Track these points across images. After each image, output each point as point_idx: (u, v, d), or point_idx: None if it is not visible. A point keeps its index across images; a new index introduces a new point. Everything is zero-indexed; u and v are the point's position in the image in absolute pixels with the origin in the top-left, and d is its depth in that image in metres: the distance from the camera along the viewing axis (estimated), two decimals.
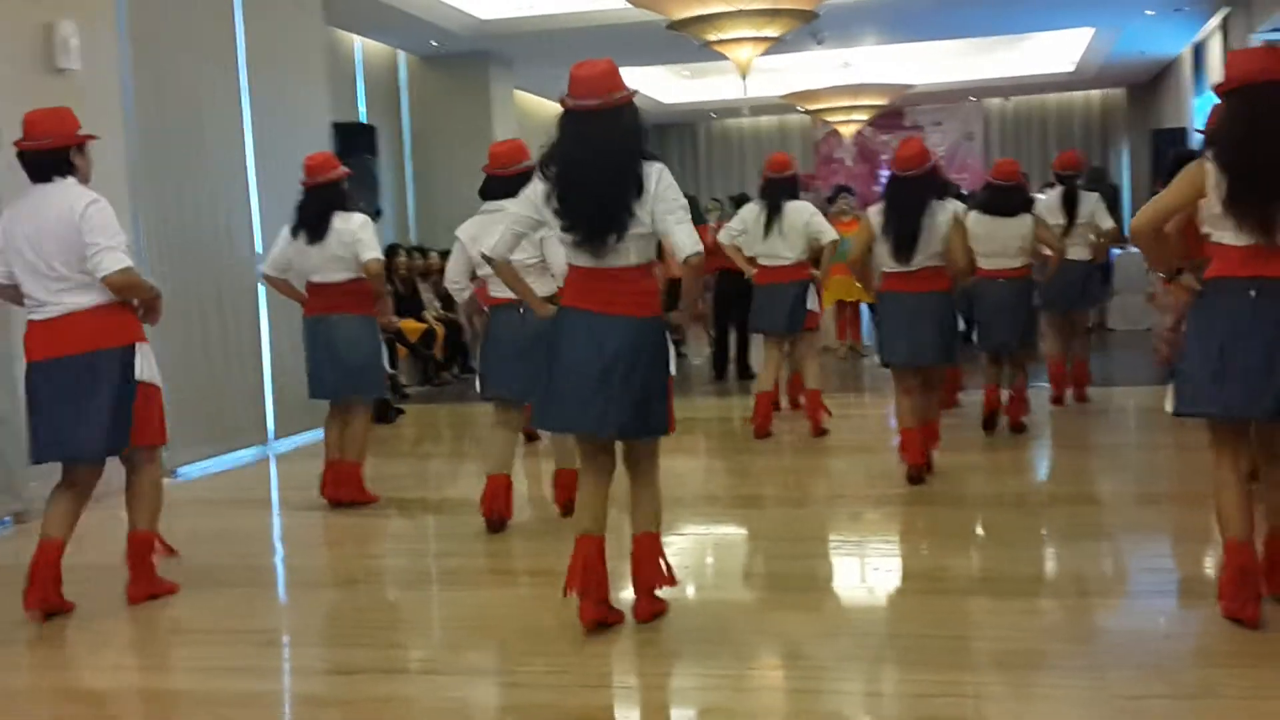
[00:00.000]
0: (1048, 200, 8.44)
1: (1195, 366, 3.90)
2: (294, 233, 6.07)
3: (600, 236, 3.88)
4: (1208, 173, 3.85)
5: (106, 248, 4.30)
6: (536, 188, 3.98)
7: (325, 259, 6.04)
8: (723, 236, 8.05)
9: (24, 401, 4.58)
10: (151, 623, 4.47)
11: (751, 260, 7.84)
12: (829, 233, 7.62)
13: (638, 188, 3.85)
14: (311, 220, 6.02)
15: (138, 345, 4.50)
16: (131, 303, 4.53)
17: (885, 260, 6.10)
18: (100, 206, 4.36)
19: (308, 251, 6.04)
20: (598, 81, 3.92)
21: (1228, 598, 3.84)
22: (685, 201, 3.95)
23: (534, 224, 4.08)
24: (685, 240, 3.85)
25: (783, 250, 7.60)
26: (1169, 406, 4.03)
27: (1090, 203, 8.34)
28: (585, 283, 3.98)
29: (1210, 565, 4.84)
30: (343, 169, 6.22)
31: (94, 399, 4.37)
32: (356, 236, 6.00)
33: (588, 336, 3.93)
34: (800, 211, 7.67)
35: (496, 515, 5.61)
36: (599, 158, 3.88)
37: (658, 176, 3.88)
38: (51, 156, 4.40)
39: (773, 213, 7.63)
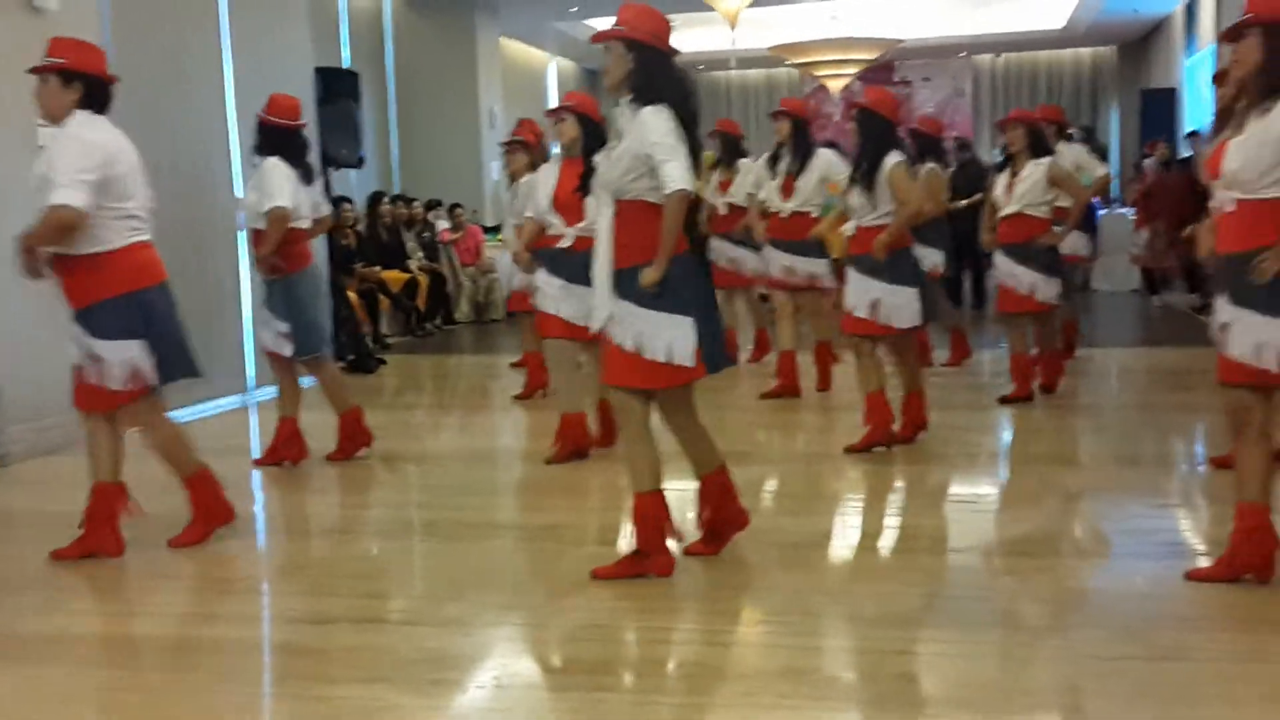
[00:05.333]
0: (1073, 153, 8.35)
1: None
2: (290, 166, 5.86)
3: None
4: None
5: None
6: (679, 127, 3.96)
7: (311, 204, 5.98)
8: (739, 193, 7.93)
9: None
10: (127, 568, 4.46)
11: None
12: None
13: None
14: (305, 161, 5.95)
15: None
16: None
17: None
18: None
19: (301, 192, 5.88)
20: None
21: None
22: None
23: None
24: None
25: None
26: None
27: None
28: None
29: (1188, 527, 4.87)
30: None
31: None
32: (319, 194, 6.07)
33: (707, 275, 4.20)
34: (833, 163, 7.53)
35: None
36: (699, 104, 4.15)
37: None
38: None
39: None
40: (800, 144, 7.39)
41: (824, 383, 7.71)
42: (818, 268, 7.48)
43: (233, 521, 4.80)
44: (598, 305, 4.04)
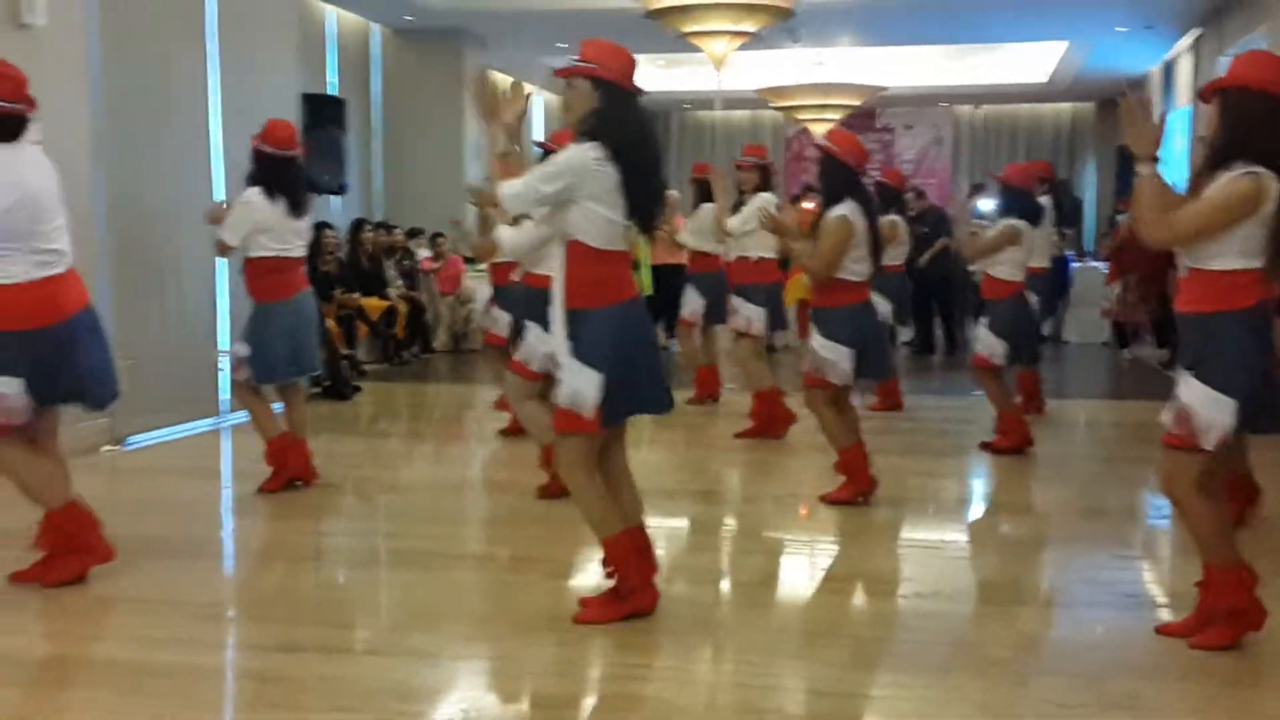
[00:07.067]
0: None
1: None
2: (272, 199, 5.78)
3: (657, 224, 4.08)
4: (1269, 191, 3.56)
5: None
6: (608, 170, 3.82)
7: (298, 232, 5.92)
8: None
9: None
10: (92, 591, 4.44)
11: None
12: None
13: None
14: (295, 190, 5.85)
15: None
16: None
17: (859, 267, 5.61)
18: None
19: (287, 223, 5.83)
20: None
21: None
22: None
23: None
24: None
25: None
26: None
27: None
28: (619, 268, 3.97)
29: (1150, 579, 4.94)
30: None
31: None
32: (311, 220, 6.08)
33: (645, 319, 4.09)
34: None
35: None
36: (658, 147, 4.09)
37: None
38: None
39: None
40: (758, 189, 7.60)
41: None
42: (750, 312, 7.63)
43: (111, 560, 4.55)
44: (552, 346, 4.03)
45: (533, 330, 5.62)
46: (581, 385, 3.85)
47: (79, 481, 4.67)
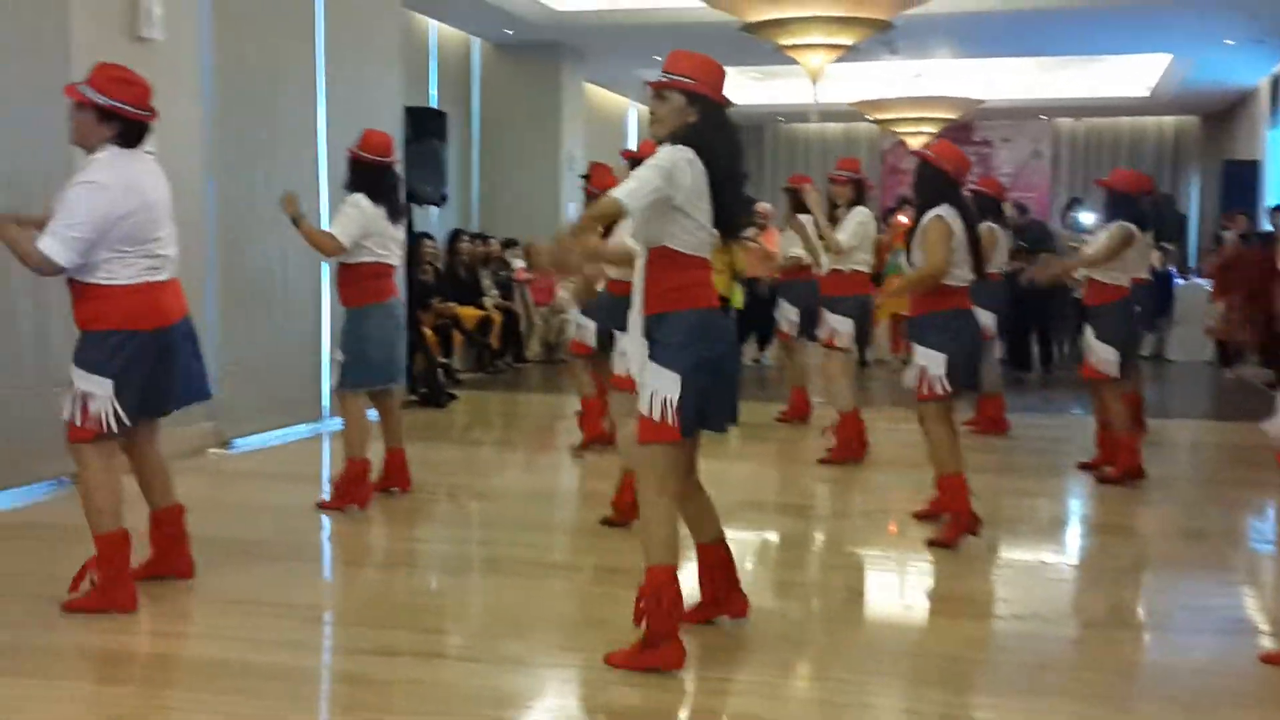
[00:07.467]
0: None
1: None
2: (375, 204, 5.84)
3: (741, 234, 4.24)
4: None
5: None
6: (701, 173, 3.81)
7: (397, 240, 6.03)
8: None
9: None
10: (196, 591, 4.56)
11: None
12: None
13: None
14: (393, 197, 5.97)
15: None
16: None
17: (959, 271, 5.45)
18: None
19: (389, 229, 5.93)
20: None
21: None
22: None
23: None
24: None
25: None
26: None
27: None
28: (703, 274, 3.91)
29: (1252, 605, 4.82)
30: None
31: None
32: (404, 229, 6.17)
33: (728, 331, 4.13)
34: None
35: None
36: (744, 158, 4.08)
37: None
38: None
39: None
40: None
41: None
42: (836, 323, 7.54)
43: (133, 611, 4.28)
44: (633, 353, 3.98)
45: (623, 338, 5.58)
46: (661, 385, 3.77)
47: (184, 483, 4.80)
